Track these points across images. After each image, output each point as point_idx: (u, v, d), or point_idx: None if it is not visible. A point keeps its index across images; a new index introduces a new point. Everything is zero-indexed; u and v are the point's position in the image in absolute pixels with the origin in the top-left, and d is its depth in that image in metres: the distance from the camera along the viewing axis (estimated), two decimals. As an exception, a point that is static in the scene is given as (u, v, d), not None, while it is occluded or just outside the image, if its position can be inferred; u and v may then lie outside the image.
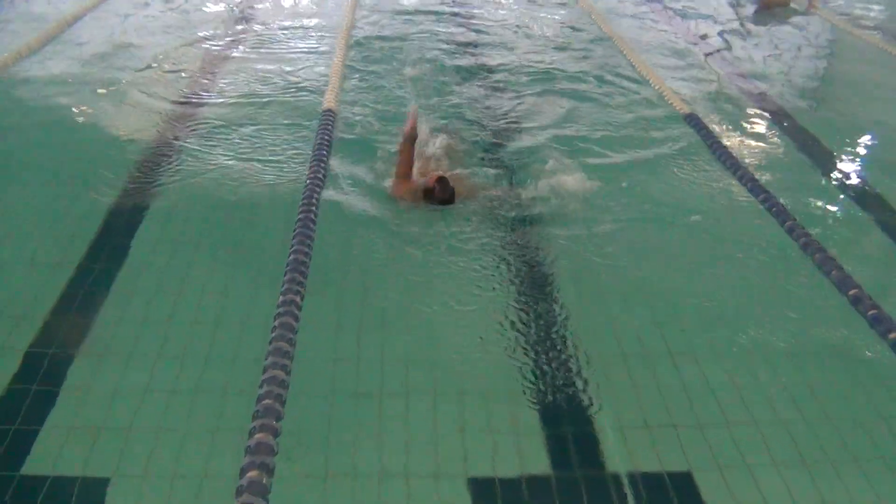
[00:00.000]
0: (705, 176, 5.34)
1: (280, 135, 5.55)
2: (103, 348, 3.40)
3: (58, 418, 3.01)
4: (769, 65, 8.22)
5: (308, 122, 5.73)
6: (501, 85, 6.94)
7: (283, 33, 8.14)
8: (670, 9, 10.08)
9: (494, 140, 5.73)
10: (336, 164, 5.08)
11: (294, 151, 5.28)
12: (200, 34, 7.85)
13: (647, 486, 2.89)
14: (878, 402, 3.40)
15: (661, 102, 6.64)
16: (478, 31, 8.57)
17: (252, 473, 2.69)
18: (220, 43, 7.67)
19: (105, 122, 5.60)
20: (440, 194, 4.46)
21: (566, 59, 7.73)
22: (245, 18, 8.72)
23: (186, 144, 5.31)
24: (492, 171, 5.20)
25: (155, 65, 6.82)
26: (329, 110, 5.87)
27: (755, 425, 3.21)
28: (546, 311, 3.87)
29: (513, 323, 3.73)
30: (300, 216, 4.34)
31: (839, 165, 5.78)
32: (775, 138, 6.28)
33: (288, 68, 6.96)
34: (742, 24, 9.70)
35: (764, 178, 5.25)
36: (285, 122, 5.77)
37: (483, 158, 5.42)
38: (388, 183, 4.79)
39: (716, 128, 6.12)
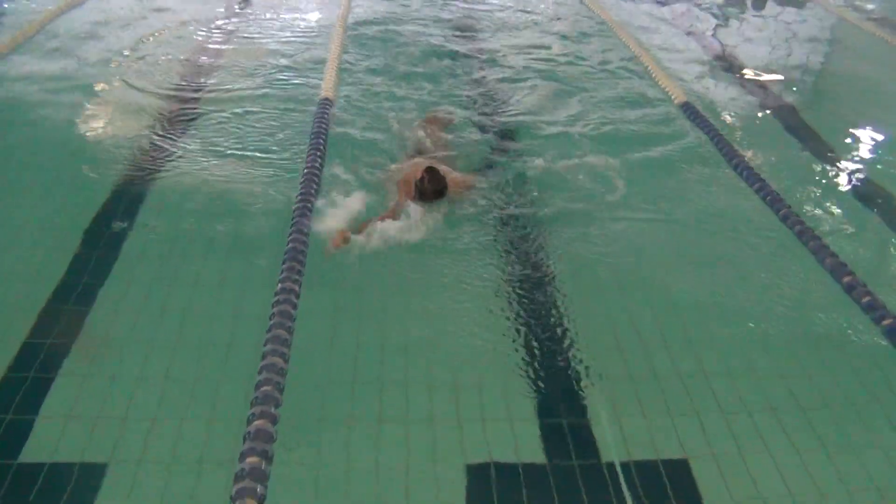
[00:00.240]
0: (701, 165, 5.34)
1: (277, 124, 5.54)
2: (101, 337, 3.41)
3: (55, 406, 3.02)
4: (767, 54, 8.21)
5: (305, 111, 5.71)
6: (498, 73, 6.92)
7: (279, 20, 8.11)
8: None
9: (490, 129, 5.71)
10: (333, 152, 5.06)
11: (291, 141, 5.26)
12: (194, 22, 7.81)
13: (641, 474, 2.90)
14: (873, 389, 3.41)
15: (658, 92, 6.63)
16: (475, 18, 8.55)
17: (252, 459, 2.70)
18: (217, 31, 7.63)
19: (98, 111, 5.59)
20: (431, 185, 4.36)
21: (562, 46, 7.72)
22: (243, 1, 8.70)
23: (181, 134, 5.30)
24: (486, 161, 5.19)
25: (149, 54, 6.79)
26: (326, 99, 5.85)
27: (749, 413, 3.23)
28: (543, 301, 3.87)
29: (510, 313, 3.73)
30: (297, 205, 4.34)
31: (835, 154, 5.78)
32: (771, 127, 6.28)
33: (283, 56, 6.94)
34: (742, 13, 9.68)
35: (759, 166, 5.26)
36: (282, 111, 5.75)
37: (478, 149, 5.40)
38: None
39: (712, 117, 6.10)
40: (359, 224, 4.20)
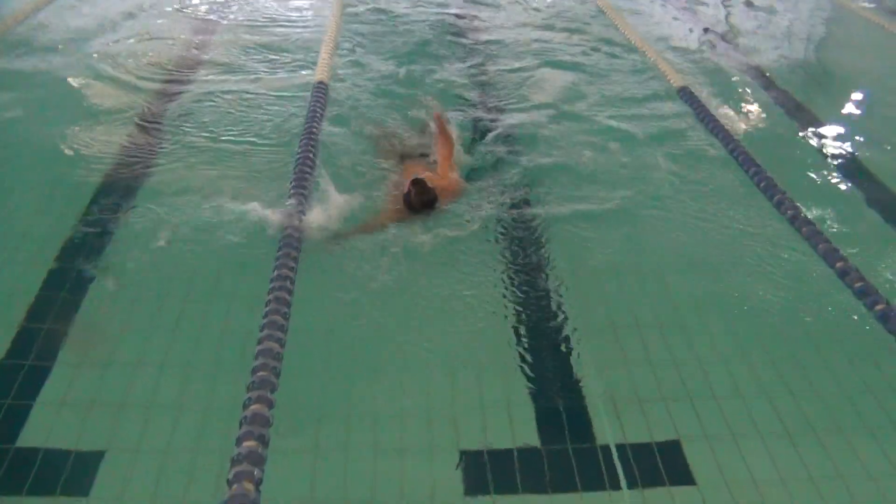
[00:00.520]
0: (697, 150, 5.34)
1: (271, 110, 5.49)
2: (97, 328, 3.42)
3: (51, 392, 3.03)
4: (763, 39, 8.18)
5: (300, 96, 5.67)
6: (497, 62, 6.86)
7: (274, 6, 8.04)
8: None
9: (484, 122, 5.64)
10: (328, 139, 5.04)
11: (285, 128, 5.23)
12: (189, 7, 7.74)
13: (636, 456, 2.94)
14: (865, 374, 3.44)
15: (654, 76, 6.61)
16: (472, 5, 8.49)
17: (249, 443, 2.71)
18: (210, 15, 7.57)
19: (93, 99, 5.54)
20: (418, 197, 4.18)
21: (556, 31, 7.67)
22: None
23: (174, 119, 5.27)
24: (482, 155, 5.11)
25: (141, 39, 6.72)
26: (321, 83, 5.81)
27: (742, 398, 3.26)
28: (538, 285, 3.89)
29: (505, 298, 3.75)
30: (292, 191, 4.33)
31: (830, 140, 5.79)
32: (768, 113, 6.27)
33: (278, 40, 6.88)
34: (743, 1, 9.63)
35: (754, 152, 5.25)
36: (276, 96, 5.71)
37: (473, 143, 5.33)
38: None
39: (708, 101, 6.09)
40: (352, 226, 4.16)
